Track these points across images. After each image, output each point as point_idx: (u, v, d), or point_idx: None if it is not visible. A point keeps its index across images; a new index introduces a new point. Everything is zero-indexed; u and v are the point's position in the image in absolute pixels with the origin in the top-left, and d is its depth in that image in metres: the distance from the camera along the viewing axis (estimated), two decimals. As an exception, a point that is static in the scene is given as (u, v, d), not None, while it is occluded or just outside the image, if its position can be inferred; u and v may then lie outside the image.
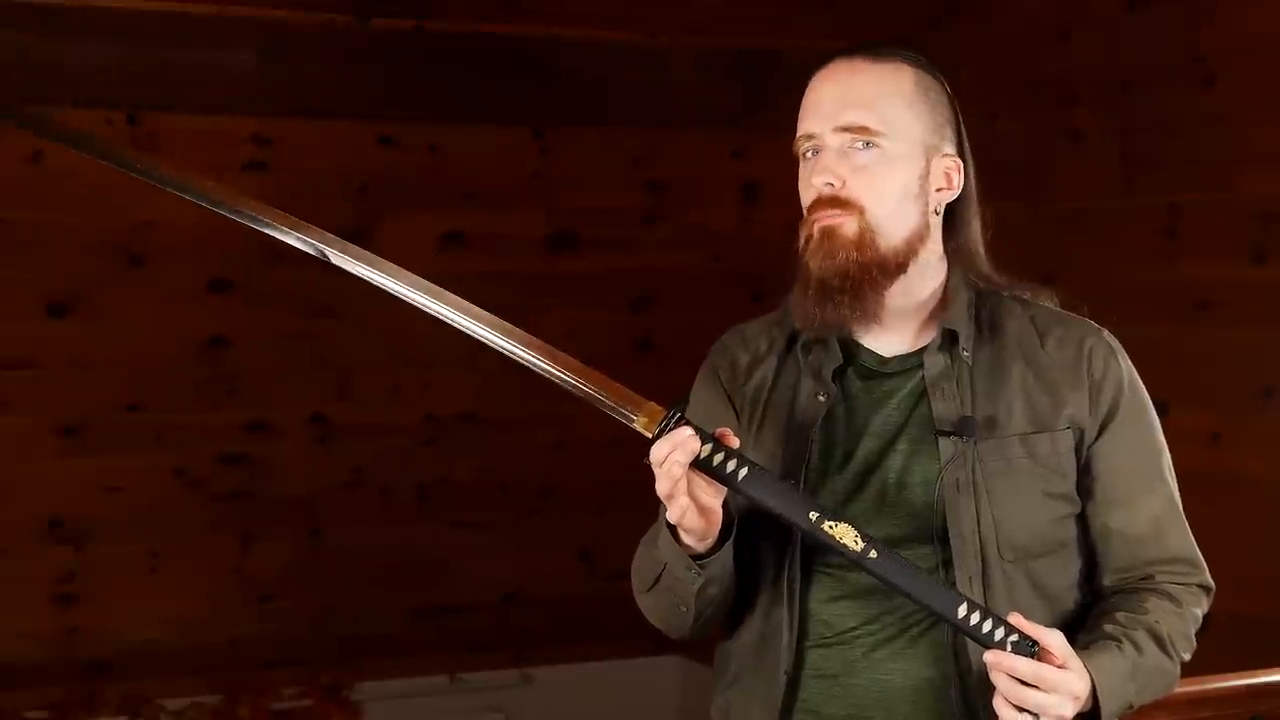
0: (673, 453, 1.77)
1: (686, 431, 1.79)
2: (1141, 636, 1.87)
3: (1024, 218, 4.33)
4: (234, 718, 4.78)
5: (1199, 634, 1.98)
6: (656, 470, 1.80)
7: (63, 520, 4.70)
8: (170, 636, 4.79)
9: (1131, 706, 1.87)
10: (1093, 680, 1.80)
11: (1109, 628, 1.87)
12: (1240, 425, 3.81)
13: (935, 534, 1.88)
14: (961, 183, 1.96)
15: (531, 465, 5.21)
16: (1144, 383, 2.01)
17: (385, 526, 5.06)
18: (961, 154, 1.97)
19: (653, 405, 1.84)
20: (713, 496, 1.82)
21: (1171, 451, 2.02)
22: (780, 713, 1.91)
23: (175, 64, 4.63)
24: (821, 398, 1.94)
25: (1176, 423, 3.69)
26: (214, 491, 4.85)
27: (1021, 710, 1.75)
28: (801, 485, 1.90)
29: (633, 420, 1.84)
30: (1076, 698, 1.78)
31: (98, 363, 4.69)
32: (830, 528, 1.79)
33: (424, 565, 5.12)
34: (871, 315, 1.91)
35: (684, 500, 1.79)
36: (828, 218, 1.89)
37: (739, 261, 5.33)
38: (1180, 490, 2.01)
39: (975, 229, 2.00)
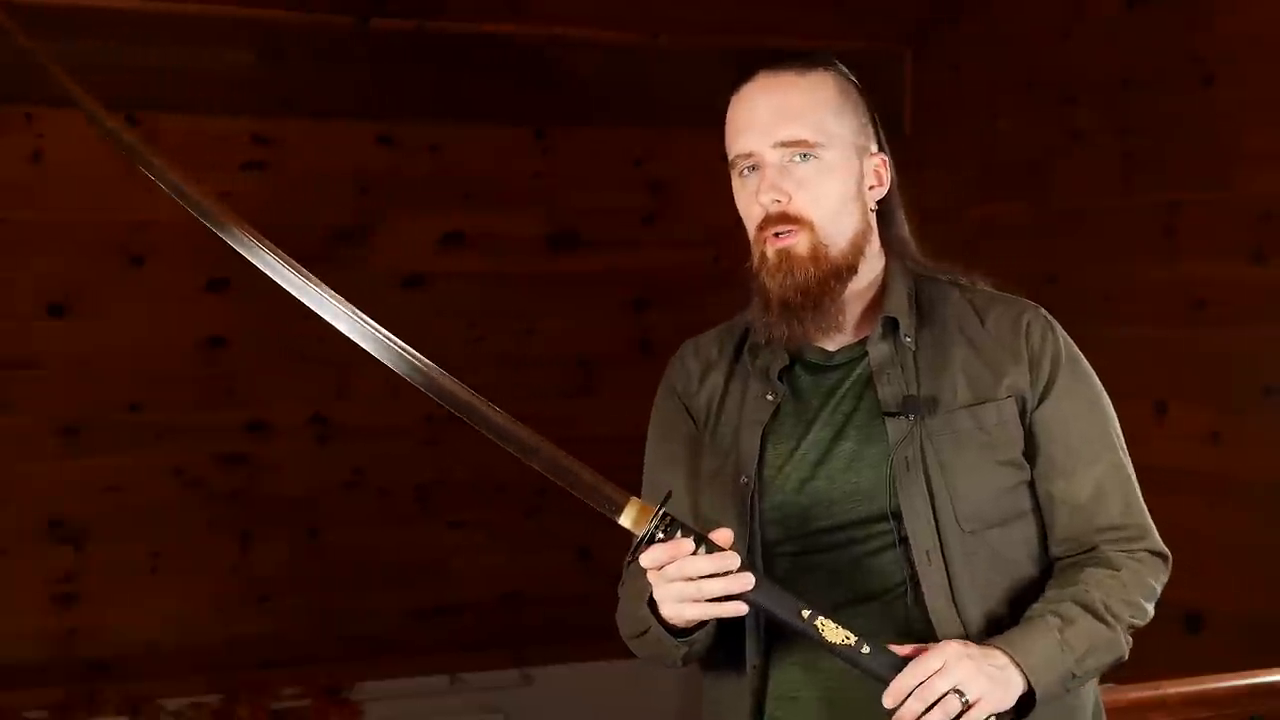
0: (670, 565, 1.80)
1: (687, 545, 1.81)
2: (1068, 608, 1.89)
3: (1025, 217, 4.34)
4: (234, 718, 4.78)
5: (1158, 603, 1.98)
6: (652, 577, 1.83)
7: (63, 520, 4.70)
8: (170, 636, 4.79)
9: (1075, 677, 1.88)
10: (1019, 663, 1.82)
11: (1035, 607, 1.91)
12: (1240, 425, 3.80)
13: (890, 512, 1.92)
14: (889, 177, 2.03)
15: (530, 465, 5.19)
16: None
17: (384, 527, 5.06)
18: (883, 150, 2.04)
19: (636, 500, 1.88)
20: None
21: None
22: (755, 699, 1.96)
23: (175, 64, 4.62)
24: (770, 397, 2.01)
25: (1176, 422, 3.71)
26: (214, 491, 4.85)
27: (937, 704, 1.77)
28: (755, 482, 1.96)
29: (617, 515, 1.88)
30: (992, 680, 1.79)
31: (98, 363, 4.69)
32: (821, 624, 1.82)
33: (423, 565, 5.12)
34: (833, 323, 1.98)
35: (697, 610, 1.82)
36: (780, 239, 1.98)
37: (739, 262, 5.33)
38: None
39: (902, 217, 2.07)
